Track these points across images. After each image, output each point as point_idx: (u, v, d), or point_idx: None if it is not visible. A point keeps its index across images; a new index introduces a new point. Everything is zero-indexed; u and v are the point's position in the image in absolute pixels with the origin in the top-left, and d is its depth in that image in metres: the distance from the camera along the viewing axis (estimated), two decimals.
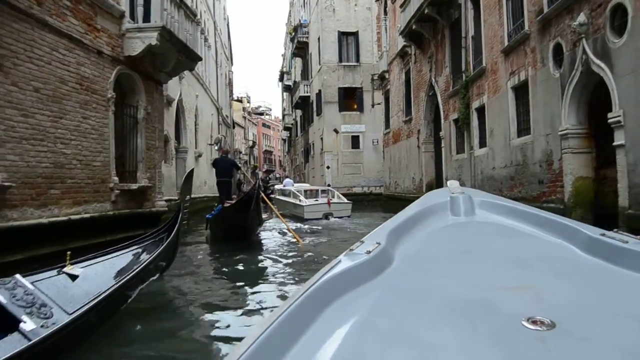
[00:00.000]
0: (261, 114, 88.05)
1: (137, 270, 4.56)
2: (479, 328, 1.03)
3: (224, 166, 12.83)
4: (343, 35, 28.43)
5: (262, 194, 12.14)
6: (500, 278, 1.38)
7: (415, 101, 16.96)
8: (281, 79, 47.54)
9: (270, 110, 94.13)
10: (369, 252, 1.45)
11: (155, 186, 9.15)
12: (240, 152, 64.93)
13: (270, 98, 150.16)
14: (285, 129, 51.12)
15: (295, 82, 38.15)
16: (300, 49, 35.02)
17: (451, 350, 0.95)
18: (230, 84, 36.94)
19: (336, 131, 27.77)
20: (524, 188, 8.78)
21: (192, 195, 19.32)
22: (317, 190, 18.59)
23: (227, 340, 4.28)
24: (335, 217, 15.94)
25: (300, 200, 16.87)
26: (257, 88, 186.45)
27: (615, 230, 1.58)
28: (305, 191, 18.23)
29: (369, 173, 27.70)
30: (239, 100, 72.66)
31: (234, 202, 9.90)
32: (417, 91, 16.78)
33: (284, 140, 56.80)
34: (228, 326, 4.65)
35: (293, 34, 36.25)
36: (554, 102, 7.55)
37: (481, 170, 11.13)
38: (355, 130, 27.96)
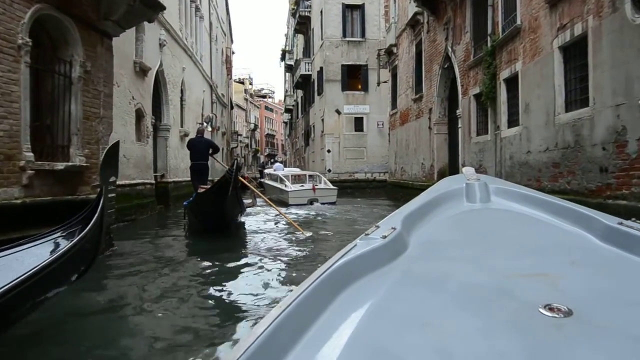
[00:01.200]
0: (264, 96, 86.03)
1: (23, 278, 3.14)
2: (495, 314, 1.02)
3: (200, 148, 11.07)
4: (347, 8, 26.13)
5: (242, 179, 10.66)
6: (516, 265, 1.36)
7: (427, 76, 14.82)
8: (283, 58, 45.12)
9: (274, 93, 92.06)
10: (384, 236, 1.45)
11: (98, 166, 7.12)
12: (240, 135, 63.11)
13: (274, 81, 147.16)
14: (287, 110, 48.94)
15: (296, 60, 35.80)
16: (302, 25, 32.70)
17: (467, 336, 0.94)
18: (228, 62, 34.72)
19: (338, 112, 25.64)
20: (575, 178, 6.71)
21: (177, 179, 17.56)
22: (305, 176, 18.37)
23: None
24: (320, 203, 15.70)
25: (285, 186, 16.60)
26: (261, 71, 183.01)
27: (633, 219, 1.53)
28: (293, 176, 17.96)
29: (373, 158, 25.65)
30: (241, 82, 70.79)
31: (209, 187, 8.37)
32: (429, 64, 14.63)
33: (286, 123, 54.55)
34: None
35: (295, 8, 33.89)
36: (630, 59, 5.44)
37: (510, 155, 9.06)
38: (359, 112, 25.81)
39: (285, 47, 46.29)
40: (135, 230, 9.39)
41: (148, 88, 13.28)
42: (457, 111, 12.10)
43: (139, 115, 12.60)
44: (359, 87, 26.51)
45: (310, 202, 15.73)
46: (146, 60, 12.83)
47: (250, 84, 78.21)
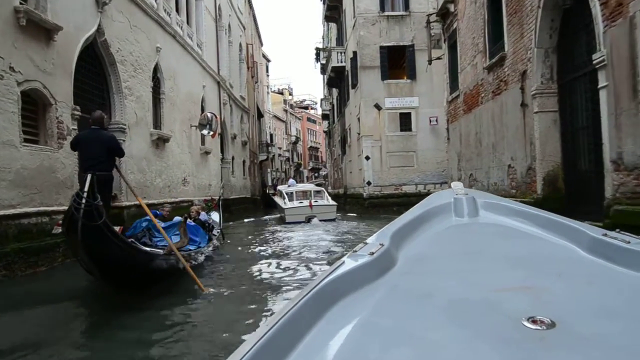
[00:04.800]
0: (306, 107, 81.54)
1: None
2: (479, 328, 1.03)
3: (91, 148, 5.96)
4: None
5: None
6: (503, 279, 1.36)
7: (513, 21, 8.86)
8: (317, 58, 39.79)
9: (316, 104, 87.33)
10: (372, 253, 1.45)
11: None
12: (280, 148, 58.66)
13: (317, 92, 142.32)
14: (324, 117, 43.50)
15: (328, 52, 30.24)
16: (332, 9, 27.28)
17: (452, 350, 0.95)
18: (250, 61, 29.77)
19: (378, 107, 19.81)
20: None
21: (145, 202, 12.79)
22: (310, 192, 17.85)
23: None
24: (319, 220, 15.20)
25: (284, 203, 16.45)
26: (304, 84, 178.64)
27: (618, 230, 1.53)
28: (297, 192, 17.45)
29: (425, 165, 19.64)
30: (280, 92, 66.98)
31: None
32: (516, 1, 8.69)
33: (325, 132, 49.11)
34: None
35: None
36: None
37: None
38: (405, 105, 19.89)
39: (322, 45, 40.92)
40: None
41: (63, 61, 8.27)
42: (595, 56, 6.05)
43: (37, 101, 7.60)
44: (404, 75, 20.69)
45: (308, 220, 15.35)
46: (56, 15, 7.91)
47: (290, 94, 74.18)
